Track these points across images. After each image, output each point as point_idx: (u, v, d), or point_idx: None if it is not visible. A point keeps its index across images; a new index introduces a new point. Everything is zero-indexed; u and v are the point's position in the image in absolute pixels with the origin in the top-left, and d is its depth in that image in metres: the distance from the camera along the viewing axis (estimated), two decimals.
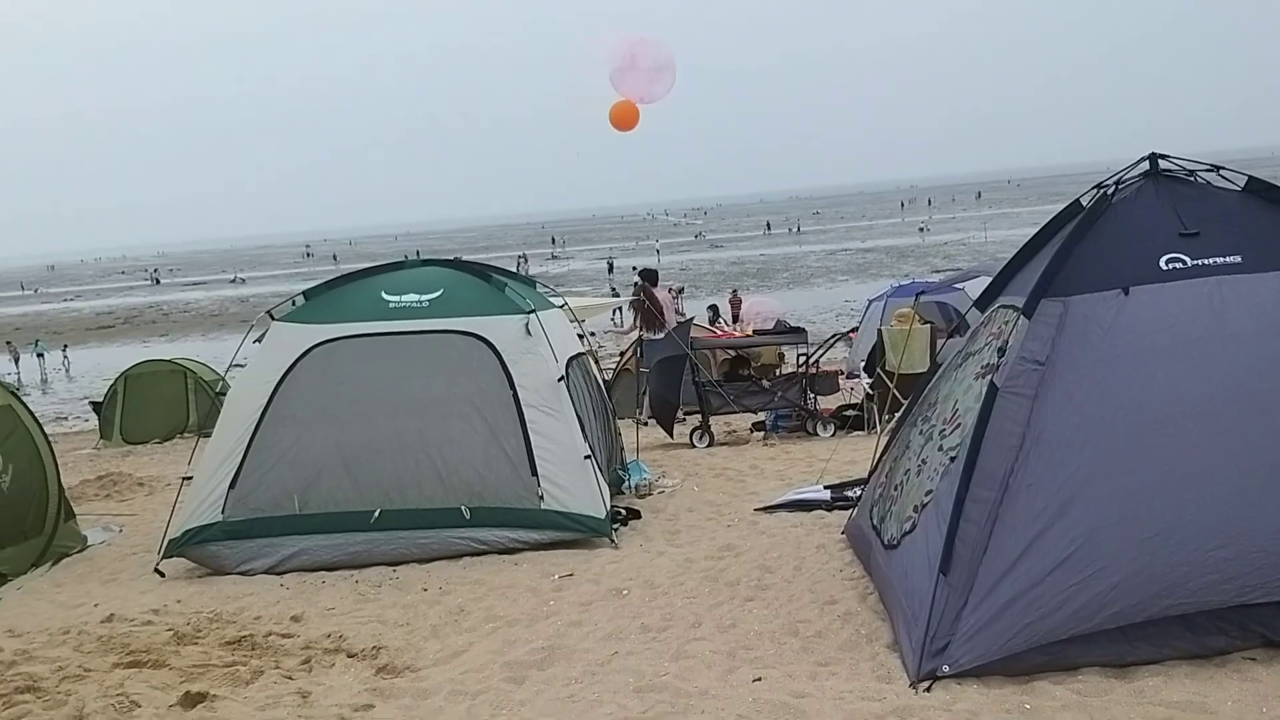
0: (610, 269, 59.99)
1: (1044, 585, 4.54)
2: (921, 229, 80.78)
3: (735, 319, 31.28)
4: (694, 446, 12.14)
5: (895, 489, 5.81)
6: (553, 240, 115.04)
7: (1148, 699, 4.17)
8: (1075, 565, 4.54)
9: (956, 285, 14.05)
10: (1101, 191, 5.42)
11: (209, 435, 18.69)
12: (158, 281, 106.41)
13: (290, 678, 5.28)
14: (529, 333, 8.08)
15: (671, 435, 12.57)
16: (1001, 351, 5.07)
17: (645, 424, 12.82)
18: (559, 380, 8.01)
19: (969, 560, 4.70)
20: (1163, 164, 5.42)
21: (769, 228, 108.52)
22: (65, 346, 45.51)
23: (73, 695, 5.11)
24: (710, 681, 4.80)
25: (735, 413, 13.01)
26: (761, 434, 12.51)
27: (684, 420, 13.00)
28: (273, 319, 8.36)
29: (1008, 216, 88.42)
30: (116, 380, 20.76)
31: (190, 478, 8.00)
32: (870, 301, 20.72)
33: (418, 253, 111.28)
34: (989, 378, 5.06)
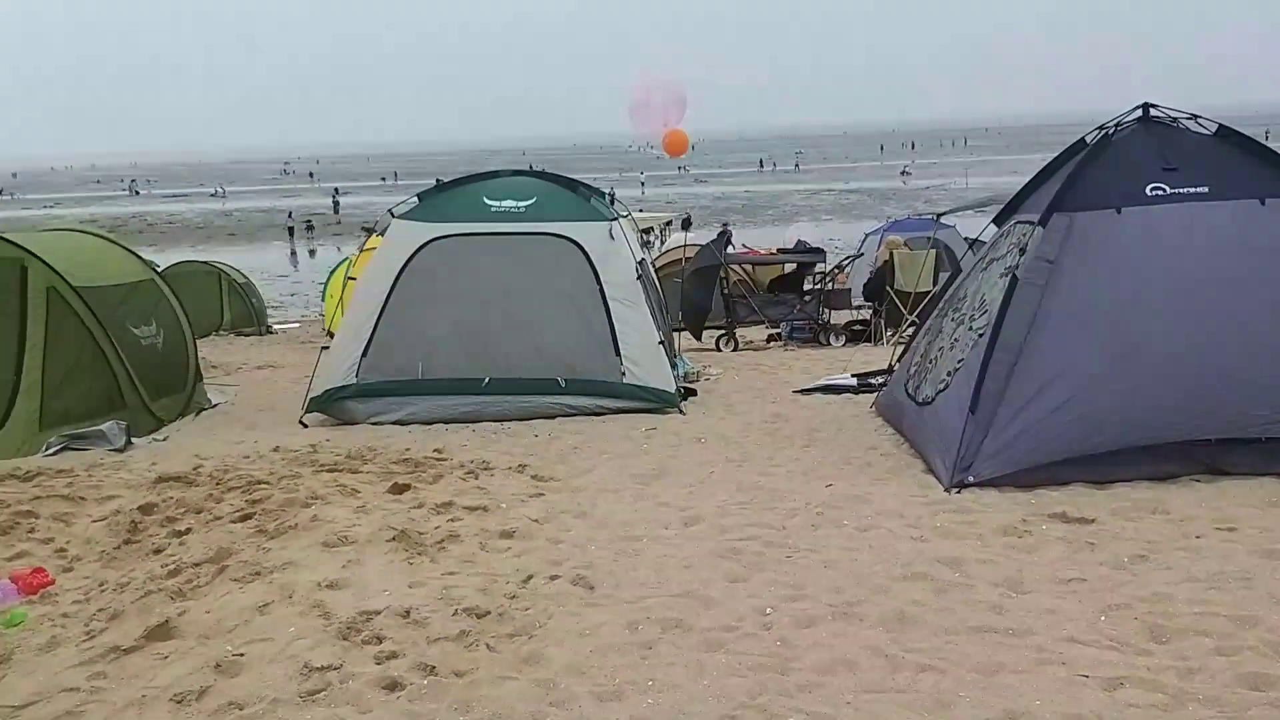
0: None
1: (1045, 423, 6.20)
2: (904, 173, 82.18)
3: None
4: (719, 350, 13.75)
5: (930, 362, 7.43)
6: (529, 166, 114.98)
7: (1118, 498, 5.86)
8: (1068, 409, 6.20)
9: (979, 210, 15.52)
10: (1103, 132, 7.02)
11: (244, 334, 20.17)
12: (136, 193, 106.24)
13: (465, 480, 6.88)
14: (613, 237, 9.60)
15: (699, 339, 14.16)
16: (1022, 252, 6.67)
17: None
18: (637, 278, 9.56)
19: (990, 405, 6.34)
20: (1153, 111, 7.01)
21: (762, 165, 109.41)
22: None
23: (300, 485, 6.68)
24: (794, 485, 6.47)
25: (756, 324, 14.64)
26: (780, 343, 14.14)
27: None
28: (394, 216, 9.83)
29: (989, 164, 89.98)
30: None
31: (327, 348, 9.51)
32: (867, 235, 22.32)
33: (396, 175, 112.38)
34: (1011, 273, 6.67)
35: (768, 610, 4.46)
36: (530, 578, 4.89)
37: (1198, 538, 5.20)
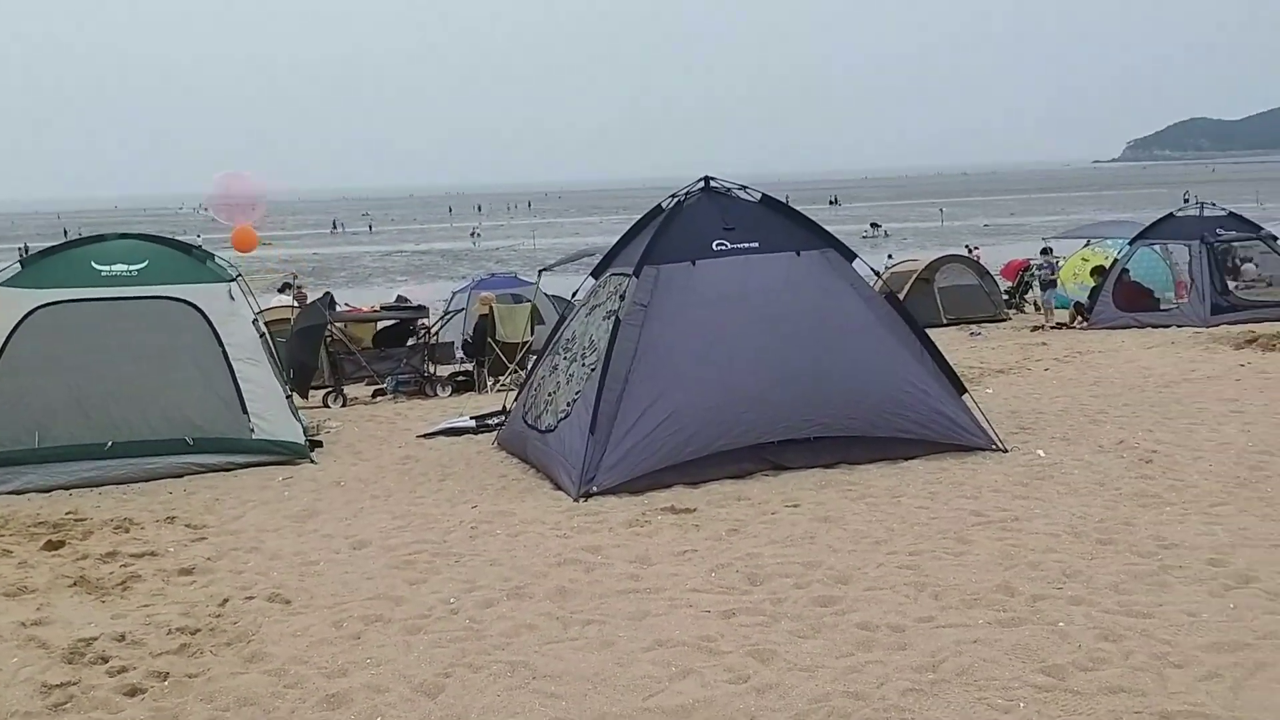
0: None
1: (651, 437, 7.50)
2: (474, 234, 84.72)
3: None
4: (329, 407, 14.11)
5: (548, 395, 8.54)
6: (65, 233, 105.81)
7: (710, 493, 7.23)
8: (668, 426, 7.53)
9: (556, 269, 17.16)
10: (676, 199, 8.54)
11: None
12: None
13: (118, 534, 7.00)
14: (232, 297, 9.90)
15: (306, 397, 14.42)
16: (622, 298, 7.97)
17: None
18: (260, 336, 9.91)
19: (606, 426, 7.54)
20: (713, 183, 8.63)
21: (335, 227, 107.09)
22: None
23: None
24: (443, 510, 7.28)
25: (361, 380, 15.17)
26: (387, 397, 14.75)
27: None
28: None
29: (553, 225, 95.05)
30: None
31: None
32: (455, 293, 23.43)
33: None
34: (614, 316, 7.94)
35: (451, 600, 5.26)
36: (226, 600, 5.34)
37: (773, 514, 6.66)
